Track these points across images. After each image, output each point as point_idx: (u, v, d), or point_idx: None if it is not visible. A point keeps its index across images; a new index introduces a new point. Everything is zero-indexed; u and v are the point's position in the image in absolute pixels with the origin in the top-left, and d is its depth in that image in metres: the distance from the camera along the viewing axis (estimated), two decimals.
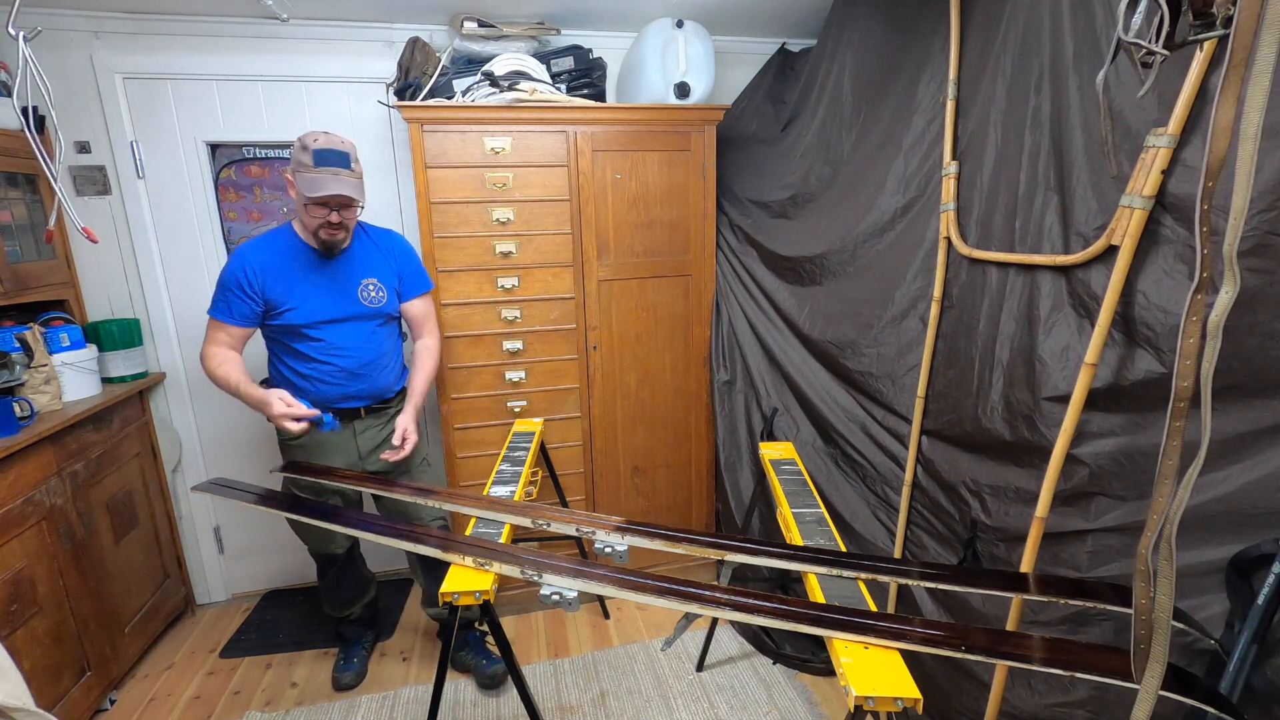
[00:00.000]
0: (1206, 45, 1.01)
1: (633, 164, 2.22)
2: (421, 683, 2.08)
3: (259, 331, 1.82)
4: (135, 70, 2.17)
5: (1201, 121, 1.04)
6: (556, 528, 1.53)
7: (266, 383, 1.90)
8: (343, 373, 1.80)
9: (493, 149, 2.08)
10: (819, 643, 1.97)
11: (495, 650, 2.06)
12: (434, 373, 1.97)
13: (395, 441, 1.82)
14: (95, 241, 1.45)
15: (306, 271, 1.75)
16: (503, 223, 2.13)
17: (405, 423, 1.84)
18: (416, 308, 1.94)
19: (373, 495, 1.88)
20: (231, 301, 1.71)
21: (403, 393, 1.96)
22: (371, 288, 1.82)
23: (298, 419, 1.67)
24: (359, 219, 1.80)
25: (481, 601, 1.24)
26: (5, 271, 1.87)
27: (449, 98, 2.10)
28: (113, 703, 2.01)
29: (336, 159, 1.63)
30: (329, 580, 2.05)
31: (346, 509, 1.76)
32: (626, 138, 2.18)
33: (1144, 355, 1.15)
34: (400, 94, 2.12)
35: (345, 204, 1.67)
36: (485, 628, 2.05)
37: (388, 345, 1.90)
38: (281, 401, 1.66)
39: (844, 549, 1.42)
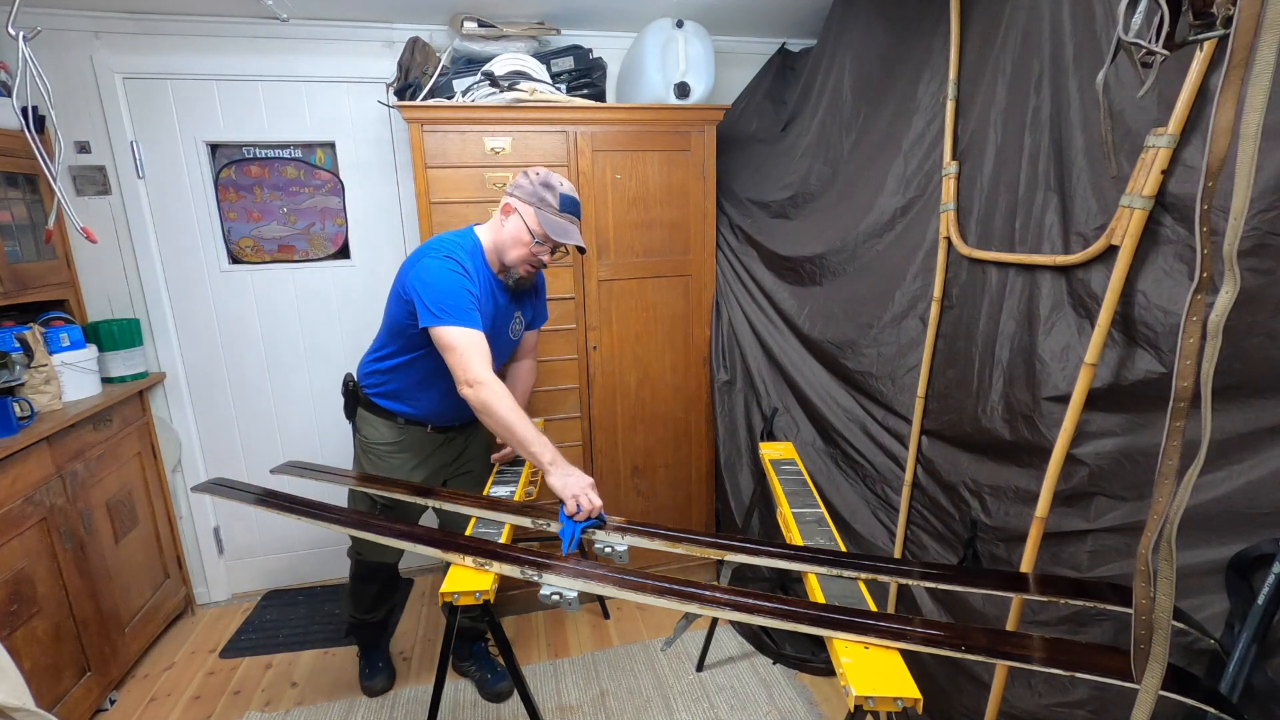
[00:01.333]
0: (1206, 45, 1.01)
1: (633, 164, 2.22)
2: (421, 683, 2.08)
3: (396, 335, 1.69)
4: (135, 70, 2.17)
5: (1201, 121, 1.04)
6: (556, 528, 1.52)
7: (357, 379, 1.84)
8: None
9: (493, 149, 2.08)
10: (819, 643, 1.97)
11: (501, 663, 2.05)
12: (531, 389, 2.02)
13: (499, 440, 1.83)
14: (95, 241, 1.45)
15: (489, 296, 1.65)
16: (565, 254, 2.12)
17: None
18: (532, 337, 1.94)
19: (434, 509, 1.80)
20: (474, 306, 1.53)
21: None
22: (518, 322, 1.80)
23: (587, 508, 1.45)
24: None
25: (481, 601, 1.24)
26: (5, 271, 1.87)
27: (449, 98, 2.10)
28: (113, 703, 2.01)
29: (577, 208, 1.63)
30: (370, 588, 1.99)
31: (345, 509, 1.75)
32: (626, 138, 2.18)
33: (1144, 355, 1.15)
34: (400, 94, 2.12)
35: (556, 249, 1.64)
36: (490, 637, 2.06)
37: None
38: (593, 488, 1.47)
39: (844, 549, 1.42)
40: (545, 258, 1.63)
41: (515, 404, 1.50)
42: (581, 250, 1.65)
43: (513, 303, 1.76)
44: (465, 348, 1.49)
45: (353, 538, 1.88)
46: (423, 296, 1.52)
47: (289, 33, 2.23)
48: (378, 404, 1.80)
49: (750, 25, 2.48)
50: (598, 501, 1.46)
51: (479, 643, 2.11)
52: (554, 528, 1.50)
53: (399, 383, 1.76)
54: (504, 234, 1.61)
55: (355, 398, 1.85)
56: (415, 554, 1.47)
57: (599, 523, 1.47)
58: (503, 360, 1.86)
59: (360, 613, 2.06)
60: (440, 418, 1.81)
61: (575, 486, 1.45)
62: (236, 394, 2.48)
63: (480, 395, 1.48)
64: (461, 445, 1.93)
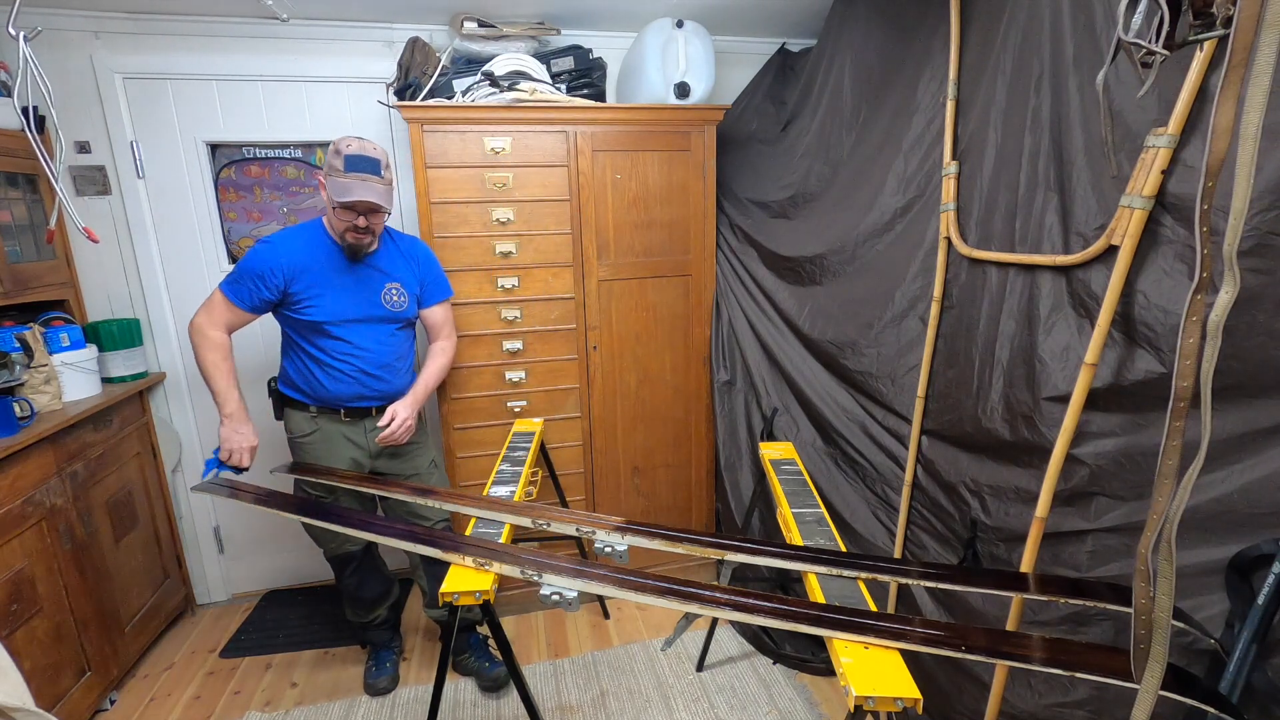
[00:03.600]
0: (1206, 45, 1.01)
1: (633, 164, 2.22)
2: (421, 683, 2.08)
3: (278, 323, 1.85)
4: (135, 70, 2.17)
5: (1201, 121, 1.04)
6: (556, 528, 1.52)
7: (276, 379, 1.92)
8: (360, 373, 1.81)
9: (493, 149, 2.08)
10: (819, 643, 1.97)
11: (498, 653, 2.06)
12: (444, 370, 1.99)
13: (381, 423, 1.82)
14: (96, 241, 1.45)
15: (333, 271, 1.76)
16: (503, 223, 2.13)
17: (397, 405, 1.84)
18: (436, 314, 1.97)
19: (378, 497, 1.88)
20: (250, 288, 1.72)
21: None
22: (394, 292, 1.84)
23: (235, 461, 1.78)
24: (386, 225, 1.83)
25: (481, 601, 1.24)
26: (5, 271, 1.87)
27: (449, 98, 2.10)
28: (113, 703, 2.01)
29: (367, 165, 1.66)
30: (349, 582, 2.02)
31: (346, 509, 1.76)
32: (626, 138, 2.18)
33: (1144, 355, 1.15)
34: (400, 94, 2.12)
35: (372, 210, 1.68)
36: (487, 630, 2.06)
37: (404, 349, 1.92)
38: (249, 438, 1.79)
39: (844, 549, 1.42)
40: (359, 221, 1.69)
41: (221, 358, 1.74)
42: (378, 208, 1.69)
43: (374, 273, 1.82)
44: (211, 304, 1.74)
45: (311, 535, 1.94)
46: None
47: (289, 33, 2.23)
48: (291, 397, 1.87)
49: (750, 25, 2.48)
50: (245, 463, 1.78)
51: (475, 634, 2.13)
52: (553, 528, 1.51)
53: (294, 371, 1.85)
54: (326, 206, 1.74)
55: (277, 396, 1.92)
56: (415, 554, 1.47)
57: (235, 471, 1.79)
58: (389, 330, 1.86)
59: (361, 615, 2.07)
60: (346, 399, 1.83)
61: (234, 443, 1.76)
62: None
63: (193, 338, 1.73)
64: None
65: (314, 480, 1.83)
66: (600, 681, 2.07)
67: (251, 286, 1.71)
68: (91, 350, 2.10)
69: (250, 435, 1.77)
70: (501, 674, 2.03)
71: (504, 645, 1.37)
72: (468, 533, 1.47)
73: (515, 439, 2.06)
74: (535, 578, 1.28)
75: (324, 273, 1.75)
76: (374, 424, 1.88)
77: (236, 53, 2.22)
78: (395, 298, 1.85)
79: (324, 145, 2.39)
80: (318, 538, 1.95)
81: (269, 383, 1.93)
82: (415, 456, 1.97)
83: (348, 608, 2.10)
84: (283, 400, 1.90)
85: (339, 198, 1.64)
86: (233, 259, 2.40)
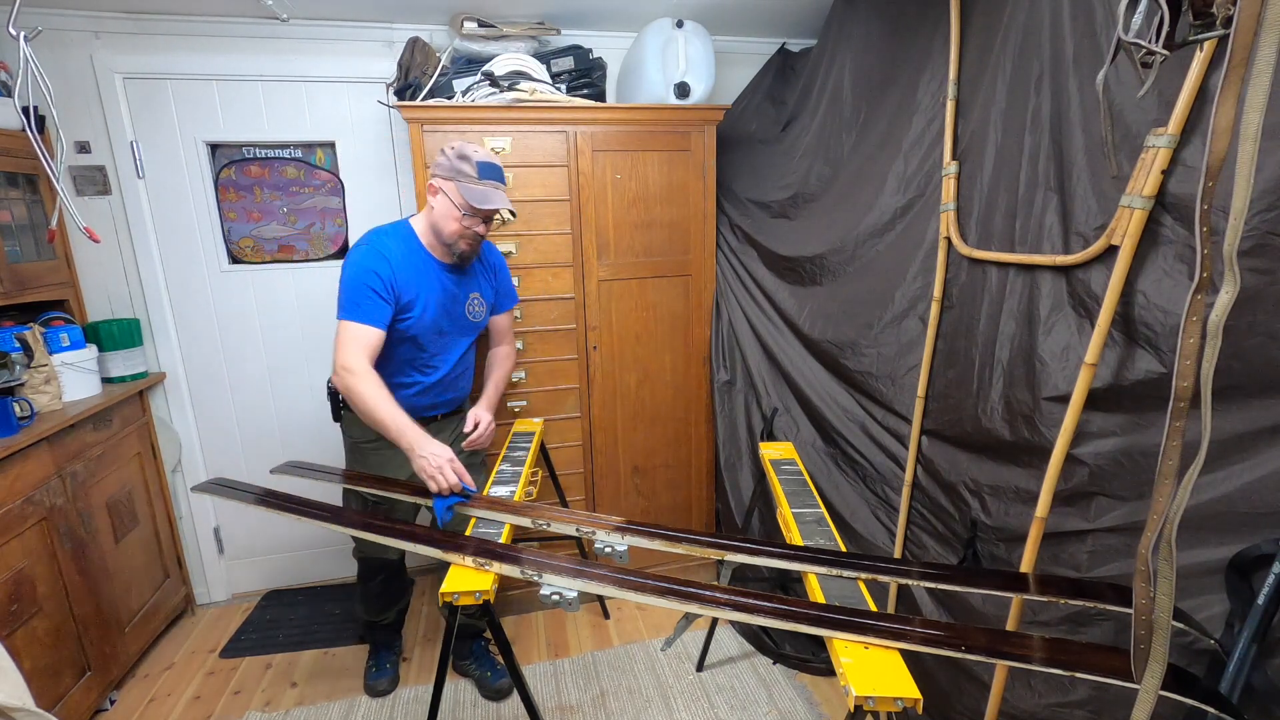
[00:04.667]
0: (1206, 45, 1.01)
1: (633, 164, 2.22)
2: (422, 683, 2.08)
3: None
4: (135, 70, 2.17)
5: (1201, 121, 1.04)
6: (556, 528, 1.52)
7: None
8: (438, 384, 1.79)
9: (493, 149, 2.08)
10: (819, 643, 1.97)
11: (500, 660, 2.05)
12: (510, 374, 2.01)
13: (466, 428, 1.81)
14: (97, 241, 1.45)
15: (430, 280, 1.69)
16: (503, 223, 2.13)
17: (479, 411, 1.83)
18: (503, 321, 1.97)
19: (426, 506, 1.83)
20: (374, 303, 1.59)
21: (468, 398, 1.98)
22: (476, 302, 1.82)
23: (445, 484, 1.51)
24: None
25: (481, 601, 1.24)
26: (5, 271, 1.87)
27: (449, 98, 2.10)
28: (113, 703, 2.01)
29: (498, 173, 1.64)
30: (375, 586, 2.00)
31: (345, 509, 1.75)
32: (626, 138, 2.18)
33: (1144, 355, 1.15)
34: (400, 94, 2.12)
35: (489, 217, 1.67)
36: (489, 635, 2.05)
37: (471, 357, 1.91)
38: (451, 463, 1.52)
39: (844, 549, 1.42)
40: (479, 228, 1.65)
41: (379, 392, 1.55)
42: (513, 214, 1.68)
43: (464, 283, 1.78)
44: (346, 338, 1.59)
45: (353, 537, 1.89)
46: (339, 290, 1.63)
47: (289, 33, 2.23)
48: None
49: (750, 25, 2.48)
50: (452, 479, 1.50)
51: (479, 641, 2.11)
52: (553, 528, 1.51)
53: None
54: (435, 214, 1.66)
55: (338, 398, 1.87)
56: (415, 554, 1.47)
57: (464, 498, 1.53)
58: (467, 341, 1.85)
59: (372, 614, 2.06)
60: (418, 409, 1.81)
61: (430, 467, 1.50)
62: (236, 394, 2.48)
63: (346, 381, 1.57)
64: (447, 437, 1.92)
65: (368, 491, 1.78)
66: (600, 681, 2.07)
67: (372, 300, 1.59)
68: (91, 350, 2.10)
69: (442, 449, 1.53)
70: (505, 684, 2.01)
71: (504, 645, 1.37)
72: (468, 533, 1.47)
73: (515, 439, 2.06)
74: (535, 578, 1.28)
75: (423, 283, 1.68)
76: (441, 426, 1.87)
77: (236, 53, 2.22)
78: (476, 307, 1.82)
79: (324, 145, 2.39)
80: (361, 541, 1.89)
81: (328, 384, 1.89)
82: (473, 454, 1.97)
83: (361, 605, 2.07)
84: (345, 404, 1.83)
85: (479, 204, 1.58)
86: (233, 259, 2.40)
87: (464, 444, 1.83)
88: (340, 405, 1.87)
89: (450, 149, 1.65)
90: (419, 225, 1.72)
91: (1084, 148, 1.26)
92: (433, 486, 1.51)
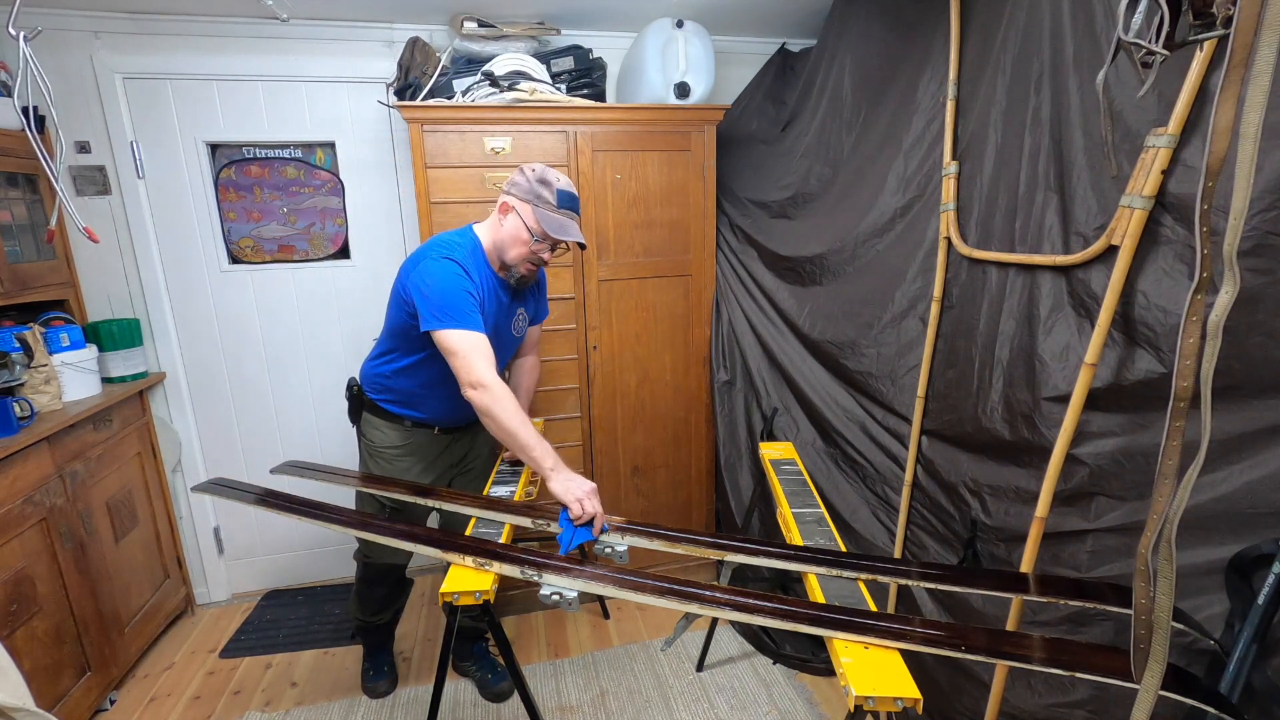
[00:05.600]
0: (1206, 45, 1.01)
1: (633, 164, 2.22)
2: (421, 684, 2.08)
3: (400, 339, 1.68)
4: (135, 70, 2.17)
5: (1201, 121, 1.04)
6: (556, 528, 1.52)
7: (359, 384, 1.83)
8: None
9: (493, 149, 2.08)
10: (819, 643, 1.97)
11: (501, 662, 2.05)
12: (538, 382, 2.01)
13: None
14: (97, 241, 1.45)
15: (491, 295, 1.63)
16: (565, 251, 2.12)
17: None
18: (535, 333, 1.94)
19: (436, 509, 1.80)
20: (476, 310, 1.51)
21: None
22: (521, 318, 1.79)
23: (587, 512, 1.44)
24: None
25: (481, 601, 1.24)
26: (5, 271, 1.87)
27: (449, 98, 2.10)
28: (113, 703, 2.01)
29: (576, 203, 1.60)
30: (378, 589, 1.98)
31: (346, 509, 1.75)
32: (626, 138, 2.18)
33: (1144, 355, 1.15)
34: (400, 94, 2.12)
35: (556, 245, 1.62)
36: (490, 636, 2.05)
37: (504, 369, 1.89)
38: (584, 482, 1.47)
39: (844, 549, 1.42)
40: (545, 255, 1.61)
41: (518, 408, 1.48)
42: (582, 246, 1.64)
43: (514, 300, 1.75)
44: (468, 351, 1.48)
45: (360, 540, 1.88)
46: (424, 299, 1.51)
47: (289, 33, 2.23)
48: (384, 408, 1.78)
49: (750, 25, 2.48)
50: (599, 508, 1.45)
51: (479, 642, 2.11)
52: (553, 528, 1.50)
53: (404, 386, 1.74)
54: (503, 233, 1.60)
55: (360, 402, 1.84)
56: (415, 554, 1.47)
57: (590, 535, 1.45)
58: (508, 358, 1.85)
59: (367, 615, 2.05)
60: (447, 419, 1.80)
61: (579, 490, 1.44)
62: (236, 394, 2.48)
63: (484, 399, 1.47)
64: (468, 444, 1.93)
65: (385, 494, 1.75)
66: (600, 681, 2.07)
67: (475, 305, 1.52)
68: (91, 350, 2.10)
69: (585, 480, 1.48)
70: (505, 687, 2.01)
71: (504, 646, 1.37)
72: (468, 533, 1.47)
73: None
74: (535, 578, 1.28)
75: (489, 297, 1.62)
76: (469, 432, 1.88)
77: (236, 53, 2.22)
78: (521, 323, 1.79)
79: (324, 145, 2.39)
80: (371, 547, 1.86)
81: (350, 384, 1.86)
82: (515, 463, 1.95)
83: (357, 604, 2.04)
84: (369, 408, 1.81)
85: (556, 234, 1.54)
86: (233, 259, 2.40)
87: (504, 453, 1.84)
88: (360, 408, 1.84)
89: (531, 170, 1.58)
90: (484, 238, 1.64)
91: (1084, 148, 1.26)
92: (576, 510, 1.43)
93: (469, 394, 1.49)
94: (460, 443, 1.90)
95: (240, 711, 1.98)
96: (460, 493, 1.73)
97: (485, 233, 1.65)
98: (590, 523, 1.44)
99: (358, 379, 1.86)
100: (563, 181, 1.58)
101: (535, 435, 1.47)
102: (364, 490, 1.79)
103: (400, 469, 1.81)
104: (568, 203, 1.58)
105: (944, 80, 1.65)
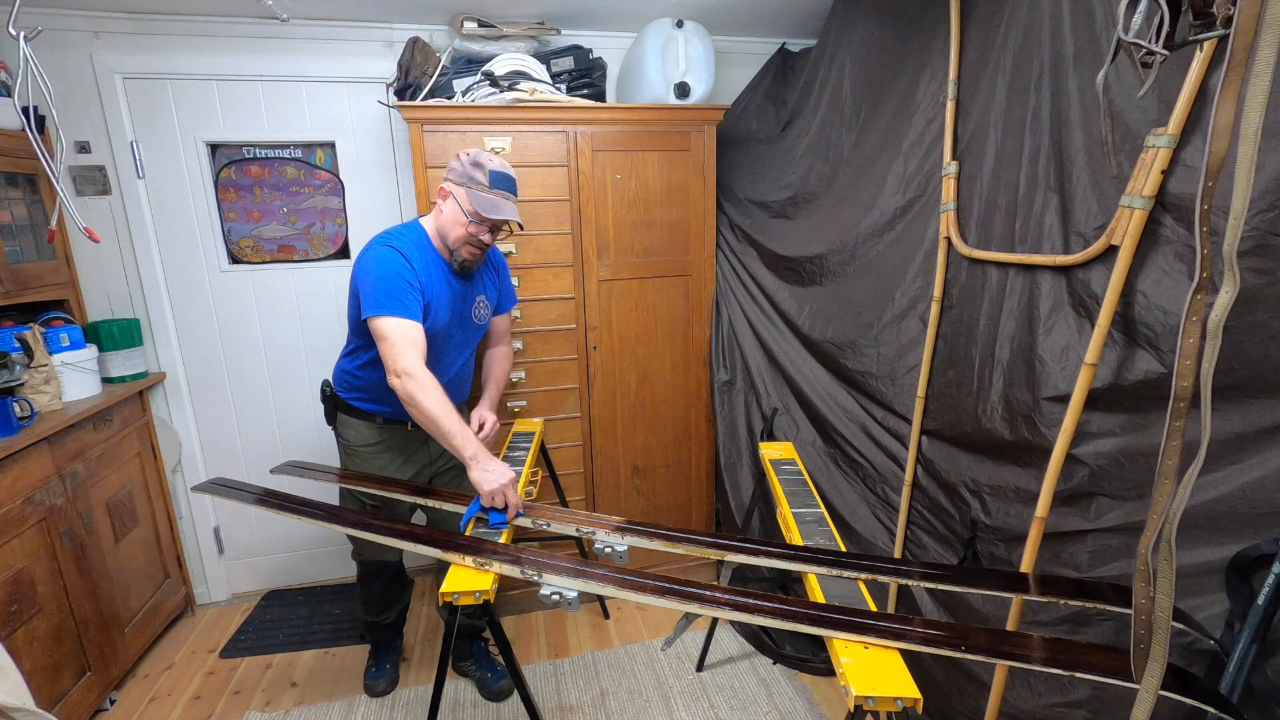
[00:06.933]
0: (1206, 45, 1.01)
1: (633, 164, 2.22)
2: (422, 684, 2.08)
3: (357, 332, 1.70)
4: (135, 70, 2.17)
5: (1201, 121, 1.04)
6: (556, 528, 1.53)
7: (331, 384, 1.85)
8: (444, 387, 1.78)
9: (493, 149, 2.08)
10: (819, 643, 1.97)
11: (500, 661, 2.05)
12: (509, 374, 2.01)
13: (473, 427, 1.79)
14: (97, 241, 1.45)
15: (441, 282, 1.67)
16: (509, 234, 2.13)
17: (484, 412, 1.83)
18: (503, 322, 1.96)
19: (421, 507, 1.82)
20: (413, 296, 1.53)
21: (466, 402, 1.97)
22: (482, 305, 1.81)
23: (500, 504, 1.48)
24: None
25: (481, 601, 1.24)
26: (5, 271, 1.87)
27: (449, 98, 2.10)
28: (113, 703, 2.01)
29: (510, 183, 1.63)
30: (375, 588, 1.99)
31: (346, 509, 1.75)
32: (626, 138, 2.18)
33: (1144, 355, 1.15)
34: (400, 94, 2.12)
35: (497, 227, 1.65)
36: (489, 636, 2.05)
37: (472, 361, 1.91)
38: (512, 485, 1.49)
39: (844, 549, 1.42)
40: (485, 237, 1.64)
41: (443, 397, 1.50)
42: (520, 226, 1.67)
43: (471, 286, 1.77)
44: (398, 339, 1.50)
45: (351, 539, 1.89)
46: (364, 287, 1.56)
47: (289, 33, 2.23)
48: (356, 406, 1.80)
49: (750, 25, 2.48)
50: (515, 500, 1.49)
51: (479, 642, 2.11)
52: (553, 528, 1.50)
53: (371, 380, 1.75)
54: (443, 218, 1.64)
55: (334, 402, 1.86)
56: (415, 554, 1.47)
57: (503, 519, 1.49)
58: (473, 345, 1.86)
59: (372, 615, 2.05)
60: None
61: (494, 483, 1.47)
62: (236, 394, 2.48)
63: (408, 387, 1.48)
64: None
65: (367, 491, 1.77)
66: (600, 681, 2.07)
67: (410, 293, 1.54)
68: (91, 350, 2.10)
69: (505, 470, 1.50)
70: (505, 685, 2.01)
71: (504, 646, 1.37)
72: (468, 533, 1.47)
73: (515, 439, 2.06)
74: (535, 578, 1.28)
75: (438, 286, 1.65)
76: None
77: (236, 53, 2.22)
78: (482, 310, 1.81)
79: (324, 145, 2.40)
80: (360, 544, 1.90)
81: (323, 386, 1.88)
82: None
83: (361, 605, 2.06)
84: (342, 407, 1.84)
85: (488, 213, 1.56)
86: (233, 259, 2.40)
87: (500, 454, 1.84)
88: (335, 408, 1.86)
89: (466, 155, 1.62)
90: (429, 226, 1.70)
91: (1084, 148, 1.26)
92: (487, 502, 1.48)
93: (393, 381, 1.51)
94: (433, 443, 1.89)
95: (240, 711, 1.98)
96: (460, 493, 1.73)
97: (429, 221, 1.71)
98: (505, 513, 1.49)
99: (330, 380, 1.88)
100: (495, 163, 1.61)
101: (457, 424, 1.49)
102: (345, 488, 1.81)
103: (378, 466, 1.83)
104: (500, 183, 1.61)
105: (944, 80, 1.65)
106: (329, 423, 1.90)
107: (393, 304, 1.52)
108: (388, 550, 1.85)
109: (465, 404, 1.98)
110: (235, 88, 2.26)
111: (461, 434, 1.48)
